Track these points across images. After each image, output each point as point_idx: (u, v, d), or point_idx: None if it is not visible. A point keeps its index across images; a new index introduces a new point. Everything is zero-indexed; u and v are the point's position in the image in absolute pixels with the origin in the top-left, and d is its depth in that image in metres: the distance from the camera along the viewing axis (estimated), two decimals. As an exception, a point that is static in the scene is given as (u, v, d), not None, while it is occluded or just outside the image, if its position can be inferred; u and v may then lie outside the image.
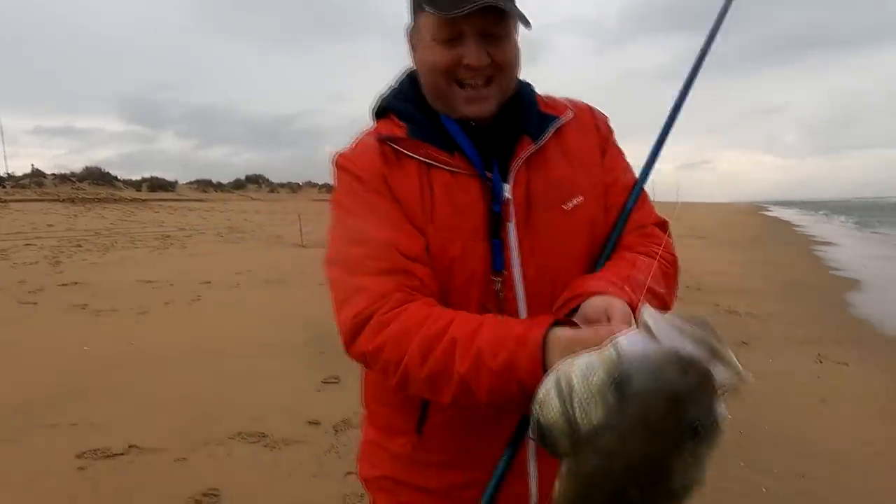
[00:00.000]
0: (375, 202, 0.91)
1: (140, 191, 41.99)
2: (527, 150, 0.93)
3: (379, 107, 0.99)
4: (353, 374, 4.15)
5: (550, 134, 0.96)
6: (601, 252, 0.95)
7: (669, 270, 0.95)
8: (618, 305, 0.75)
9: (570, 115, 0.99)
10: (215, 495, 2.57)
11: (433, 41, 0.89)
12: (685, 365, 0.54)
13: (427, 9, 0.86)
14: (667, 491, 0.57)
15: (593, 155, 1.00)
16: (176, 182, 50.48)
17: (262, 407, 3.55)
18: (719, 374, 0.56)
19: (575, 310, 0.79)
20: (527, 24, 0.89)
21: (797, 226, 26.38)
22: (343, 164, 0.95)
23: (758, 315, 6.26)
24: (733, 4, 1.01)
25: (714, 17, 1.02)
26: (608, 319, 0.73)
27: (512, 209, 0.91)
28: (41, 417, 3.37)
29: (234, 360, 4.50)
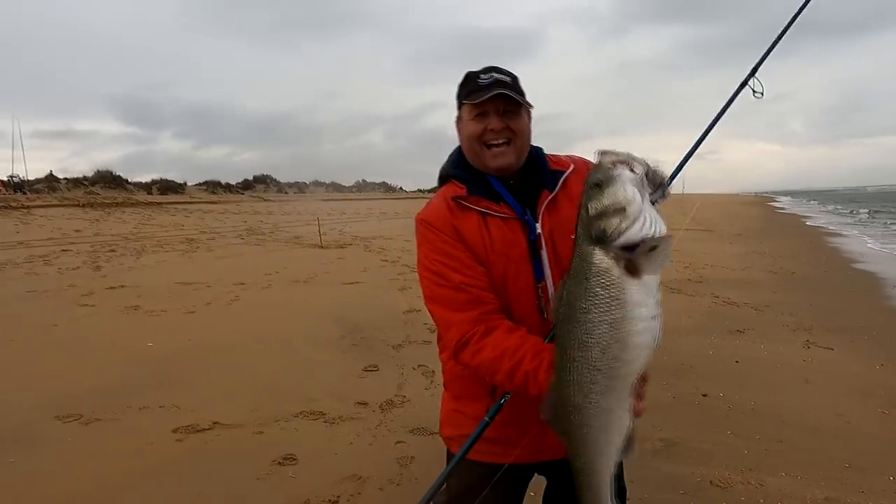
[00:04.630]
0: (449, 248, 1.37)
1: (151, 193, 42.82)
2: (547, 199, 1.41)
3: (443, 174, 1.48)
4: (389, 363, 4.74)
5: (560, 185, 1.42)
6: None
7: None
8: None
9: (571, 168, 1.44)
10: (294, 459, 3.14)
11: (469, 119, 1.39)
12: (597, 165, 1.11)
13: (465, 101, 1.39)
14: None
15: None
16: (185, 184, 51.38)
17: (315, 391, 4.12)
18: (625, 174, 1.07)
19: None
20: (530, 106, 1.40)
21: (805, 216, 26.61)
22: (423, 220, 1.43)
23: (755, 305, 6.75)
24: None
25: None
26: None
27: (542, 239, 1.39)
28: (130, 402, 3.94)
29: (281, 352, 5.07)
